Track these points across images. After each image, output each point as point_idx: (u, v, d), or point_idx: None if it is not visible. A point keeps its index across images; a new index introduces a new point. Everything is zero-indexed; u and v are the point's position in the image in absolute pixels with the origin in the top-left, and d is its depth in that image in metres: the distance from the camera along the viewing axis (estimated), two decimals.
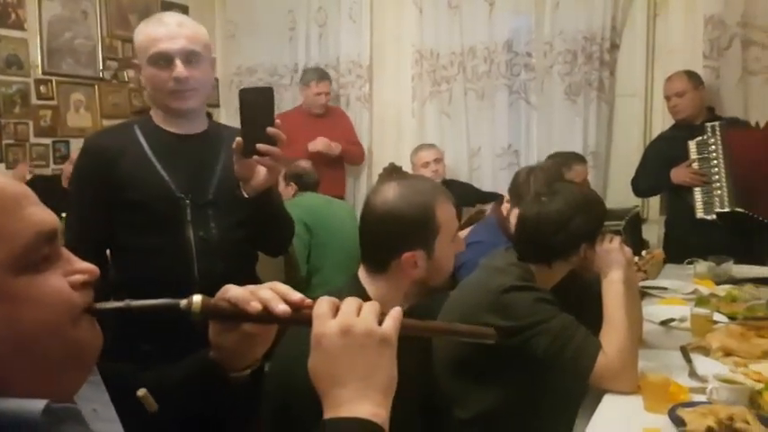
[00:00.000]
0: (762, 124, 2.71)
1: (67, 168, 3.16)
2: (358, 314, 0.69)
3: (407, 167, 3.71)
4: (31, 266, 0.58)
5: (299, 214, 2.78)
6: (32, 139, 3.65)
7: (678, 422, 1.20)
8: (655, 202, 3.27)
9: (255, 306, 0.69)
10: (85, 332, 0.62)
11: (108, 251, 1.55)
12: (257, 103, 1.29)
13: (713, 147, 2.74)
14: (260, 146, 1.28)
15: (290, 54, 4.23)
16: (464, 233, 2.53)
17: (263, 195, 1.36)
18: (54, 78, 3.74)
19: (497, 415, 1.55)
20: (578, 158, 2.84)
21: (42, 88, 3.70)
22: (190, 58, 1.43)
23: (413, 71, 3.83)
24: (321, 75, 3.76)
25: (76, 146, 3.70)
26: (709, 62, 3.04)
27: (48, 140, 3.74)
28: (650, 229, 3.22)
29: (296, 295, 0.71)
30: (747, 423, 1.16)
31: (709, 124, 2.77)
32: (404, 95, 3.92)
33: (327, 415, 0.67)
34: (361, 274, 1.23)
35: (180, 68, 1.42)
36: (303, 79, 3.80)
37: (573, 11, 3.34)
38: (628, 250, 1.56)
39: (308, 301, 0.72)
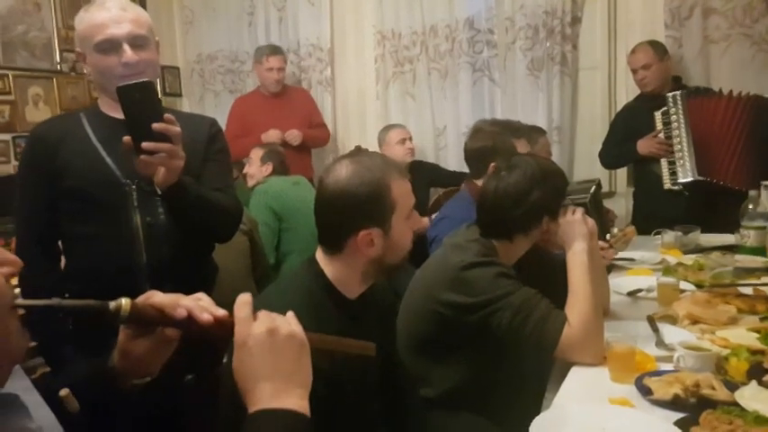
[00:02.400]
0: (725, 92, 2.70)
1: None
2: (273, 319, 0.74)
3: (374, 150, 3.65)
4: None
5: (267, 201, 2.72)
6: None
7: (645, 391, 1.18)
8: (622, 174, 3.25)
9: (181, 313, 0.72)
10: (15, 326, 0.63)
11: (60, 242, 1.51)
12: (139, 98, 1.22)
13: (674, 117, 2.72)
14: (145, 144, 1.21)
15: (249, 39, 4.11)
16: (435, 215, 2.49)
17: (174, 190, 1.30)
18: (10, 72, 3.60)
19: (462, 392, 1.52)
20: (540, 131, 2.81)
21: None
22: (137, 41, 1.40)
23: (375, 53, 3.75)
24: (273, 49, 3.61)
25: None
26: (670, 32, 3.03)
27: (7, 136, 3.59)
28: (618, 202, 3.21)
29: (219, 310, 0.75)
30: (713, 389, 1.14)
31: (670, 94, 2.74)
32: (367, 78, 3.85)
33: (253, 409, 0.70)
34: (319, 255, 1.20)
35: (129, 53, 1.38)
36: (255, 57, 3.67)
37: None
38: (591, 221, 1.53)
39: (225, 312, 0.75)
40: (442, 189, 3.26)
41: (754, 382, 1.14)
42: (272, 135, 3.44)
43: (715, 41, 2.98)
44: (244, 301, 0.75)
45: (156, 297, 0.74)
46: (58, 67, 3.84)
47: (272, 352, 0.71)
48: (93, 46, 1.39)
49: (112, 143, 1.39)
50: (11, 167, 3.52)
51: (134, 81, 1.24)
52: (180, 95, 4.39)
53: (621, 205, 3.17)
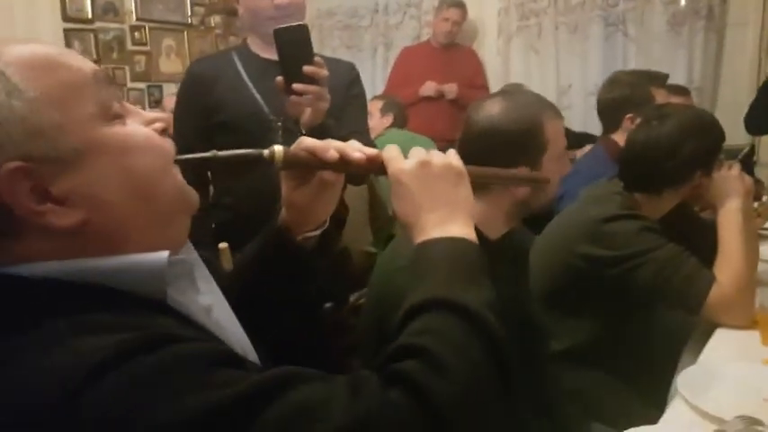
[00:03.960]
0: None
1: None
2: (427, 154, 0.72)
3: None
4: (116, 117, 0.59)
5: None
6: (129, 84, 3.81)
7: None
8: (766, 140, 2.99)
9: (333, 154, 0.71)
10: (182, 178, 0.65)
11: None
12: (293, 41, 1.26)
13: None
14: (295, 86, 1.26)
15: None
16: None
17: (317, 131, 1.33)
18: (147, 25, 3.86)
19: (591, 348, 1.49)
20: (683, 90, 2.62)
21: (137, 34, 3.83)
22: None
23: (500, 5, 3.65)
24: (454, 2, 3.59)
25: (168, 90, 3.83)
26: None
27: (143, 85, 3.89)
28: (762, 171, 2.96)
29: (370, 149, 0.74)
30: None
31: None
32: (488, 32, 3.76)
33: (419, 240, 0.68)
34: None
35: None
36: (438, 6, 3.66)
37: None
38: (748, 179, 1.44)
39: (377, 151, 0.74)
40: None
41: None
42: (429, 87, 3.47)
43: None
44: (390, 144, 0.74)
45: (306, 141, 0.72)
46: (189, 21, 4.07)
47: (428, 183, 0.69)
48: None
49: (262, 81, 1.47)
50: None
51: (290, 24, 1.29)
52: None
53: (765, 174, 2.92)
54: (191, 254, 0.68)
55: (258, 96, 1.50)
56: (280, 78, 1.28)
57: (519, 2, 3.60)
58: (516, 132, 1.09)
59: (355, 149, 0.72)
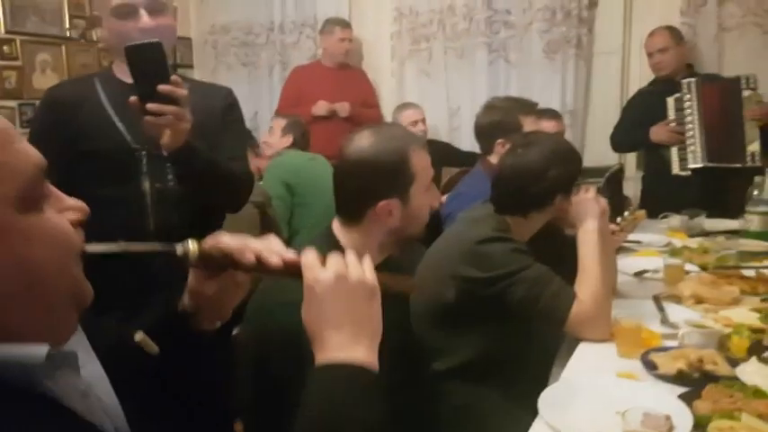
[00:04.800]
0: (750, 80, 2.72)
1: None
2: (345, 265, 0.72)
3: None
4: (34, 203, 0.57)
5: (281, 174, 2.76)
6: None
7: (650, 366, 1.23)
8: (632, 157, 3.29)
9: (250, 258, 0.70)
10: (81, 273, 0.62)
11: None
12: (146, 59, 1.22)
13: (689, 103, 2.76)
14: (149, 105, 1.22)
15: (265, 12, 4.13)
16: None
17: (183, 154, 1.30)
18: (18, 38, 3.60)
19: (474, 366, 1.56)
20: (553, 114, 2.84)
21: (6, 48, 3.56)
22: (154, 6, 1.39)
23: (392, 29, 3.76)
24: (345, 23, 3.69)
25: None
26: (685, 19, 3.04)
27: (13, 103, 3.61)
28: (627, 186, 3.24)
29: (289, 253, 0.73)
30: (716, 364, 1.20)
31: (684, 81, 2.78)
32: (383, 54, 3.86)
33: (322, 357, 0.69)
34: (335, 226, 1.22)
35: (145, 18, 1.38)
36: (324, 29, 3.71)
37: None
38: (602, 201, 1.57)
39: (296, 255, 0.73)
40: (456, 169, 3.30)
41: (754, 359, 1.20)
42: (321, 106, 3.50)
43: (728, 29, 2.99)
44: (309, 249, 0.73)
45: (224, 240, 0.71)
46: (68, 34, 3.83)
47: (340, 298, 0.69)
48: (111, 10, 1.39)
49: (125, 108, 1.38)
50: None
51: (142, 41, 1.23)
52: (192, 67, 4.40)
53: (631, 188, 3.21)
54: (77, 333, 0.66)
55: (120, 125, 1.42)
56: (134, 98, 1.23)
57: (410, 27, 3.73)
58: (385, 165, 1.14)
59: (274, 253, 0.71)
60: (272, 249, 0.72)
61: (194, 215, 1.43)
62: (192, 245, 0.70)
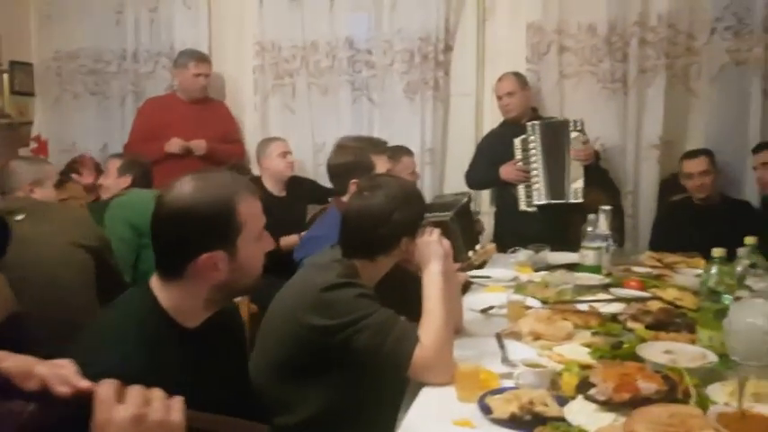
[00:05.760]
0: (577, 123, 2.97)
1: None
2: (146, 402, 0.64)
3: (252, 162, 3.58)
4: None
5: (125, 215, 2.56)
6: None
7: (486, 410, 1.24)
8: (486, 194, 3.45)
9: (32, 386, 0.62)
10: None
11: None
12: None
13: (533, 144, 2.97)
14: None
15: (117, 39, 3.89)
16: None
17: None
18: None
19: (323, 418, 1.51)
20: (406, 151, 2.92)
21: None
22: None
23: (254, 63, 3.69)
24: (201, 56, 3.55)
25: None
26: (530, 65, 3.28)
27: None
28: (482, 221, 3.40)
29: (82, 382, 0.64)
30: (546, 405, 1.23)
31: (529, 123, 3.00)
32: (246, 88, 3.77)
33: None
34: (154, 282, 1.12)
35: None
36: (178, 62, 3.55)
37: (409, 12, 3.42)
38: (446, 243, 1.60)
39: (89, 385, 0.64)
40: (320, 206, 3.27)
41: (580, 397, 1.25)
42: (174, 144, 3.34)
43: (568, 76, 3.27)
44: (106, 380, 0.65)
45: (9, 361, 0.62)
46: None
47: None
48: None
49: None
50: None
51: None
52: (32, 95, 4.03)
53: (486, 223, 3.35)
54: None
55: None
56: None
57: (273, 61, 3.68)
58: (206, 215, 1.06)
59: (63, 381, 0.62)
60: (62, 376, 0.63)
61: None
62: None
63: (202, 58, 3.55)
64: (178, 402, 0.67)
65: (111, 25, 3.87)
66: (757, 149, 2.87)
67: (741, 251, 1.68)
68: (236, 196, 1.09)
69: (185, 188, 1.08)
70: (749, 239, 1.70)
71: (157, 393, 0.66)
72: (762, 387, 1.25)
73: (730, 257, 1.66)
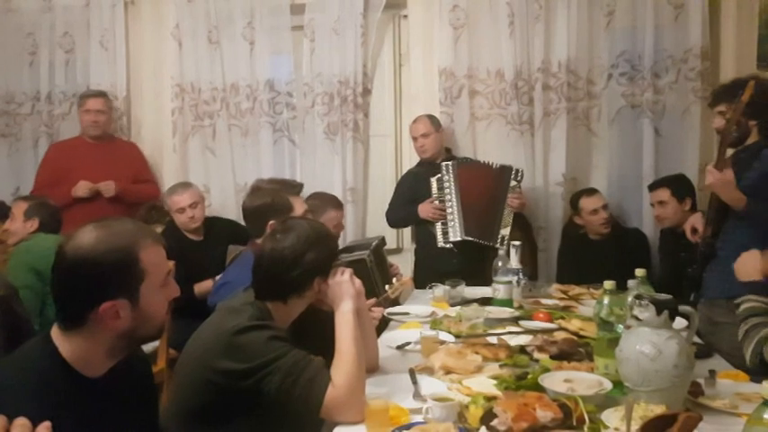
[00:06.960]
0: (519, 173, 3.14)
1: None
2: None
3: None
4: None
5: (30, 261, 2.45)
6: None
7: None
8: (407, 232, 3.54)
9: None
10: None
11: None
12: None
13: (447, 183, 3.10)
14: None
15: (30, 80, 3.80)
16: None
17: None
18: None
19: None
20: (335, 204, 2.87)
21: None
22: None
23: (173, 105, 3.68)
24: (96, 93, 3.51)
25: None
26: (444, 108, 3.44)
27: None
28: (404, 257, 3.49)
29: None
30: None
31: (443, 163, 3.13)
32: (165, 130, 3.74)
33: None
34: (54, 332, 1.10)
35: None
36: (79, 102, 3.52)
37: (328, 56, 3.52)
38: (358, 282, 1.64)
39: None
40: (241, 247, 3.23)
41: (483, 428, 1.31)
42: (82, 187, 3.26)
43: (479, 119, 3.45)
44: None
45: None
46: None
47: None
48: None
49: None
50: None
51: None
52: None
53: (408, 260, 3.44)
54: None
55: None
56: None
57: (193, 103, 3.67)
58: (106, 264, 1.06)
59: None
60: None
61: None
62: None
63: (97, 95, 3.52)
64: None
65: (24, 66, 3.79)
66: (652, 187, 3.11)
67: (631, 283, 1.81)
68: (138, 244, 1.10)
69: (86, 237, 1.07)
70: (639, 271, 1.84)
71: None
72: (650, 411, 1.35)
73: (624, 287, 1.79)
